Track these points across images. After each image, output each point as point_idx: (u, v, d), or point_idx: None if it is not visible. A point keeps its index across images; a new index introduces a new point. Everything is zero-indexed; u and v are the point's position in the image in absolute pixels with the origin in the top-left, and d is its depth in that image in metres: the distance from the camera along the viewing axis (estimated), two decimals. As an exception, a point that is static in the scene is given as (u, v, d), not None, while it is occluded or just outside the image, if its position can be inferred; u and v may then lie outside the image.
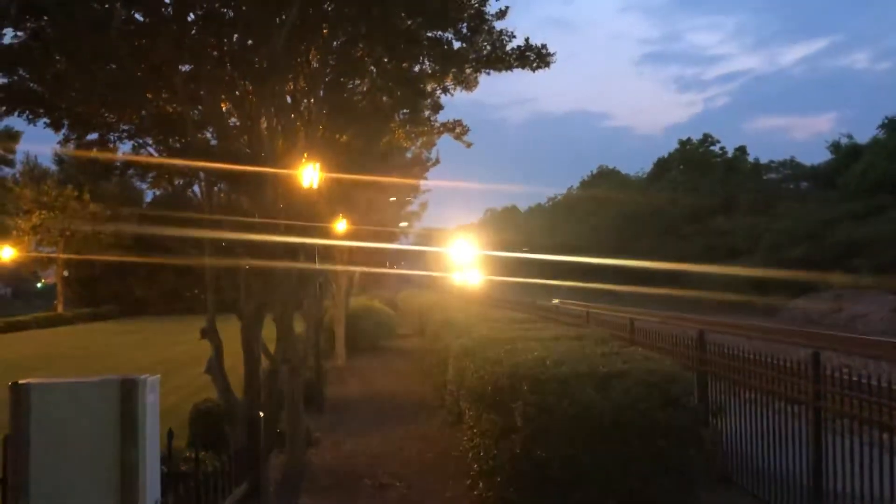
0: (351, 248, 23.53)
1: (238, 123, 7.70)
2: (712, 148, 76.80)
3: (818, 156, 78.59)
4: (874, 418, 5.72)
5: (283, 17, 6.96)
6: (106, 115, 8.35)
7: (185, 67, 7.44)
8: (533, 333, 10.15)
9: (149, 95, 7.70)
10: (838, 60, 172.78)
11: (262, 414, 3.80)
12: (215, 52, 7.47)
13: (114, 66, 7.49)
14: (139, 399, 2.32)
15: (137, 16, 7.35)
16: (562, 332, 10.49)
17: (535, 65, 8.32)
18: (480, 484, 7.81)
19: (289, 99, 8.25)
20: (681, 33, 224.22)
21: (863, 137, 57.05)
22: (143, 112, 7.89)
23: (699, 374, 8.44)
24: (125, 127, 8.64)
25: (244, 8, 7.02)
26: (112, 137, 8.86)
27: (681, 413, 7.06)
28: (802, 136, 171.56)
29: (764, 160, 71.17)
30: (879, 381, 5.75)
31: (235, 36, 7.44)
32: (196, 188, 8.62)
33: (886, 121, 54.67)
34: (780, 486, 7.07)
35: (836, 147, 59.48)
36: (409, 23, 7.53)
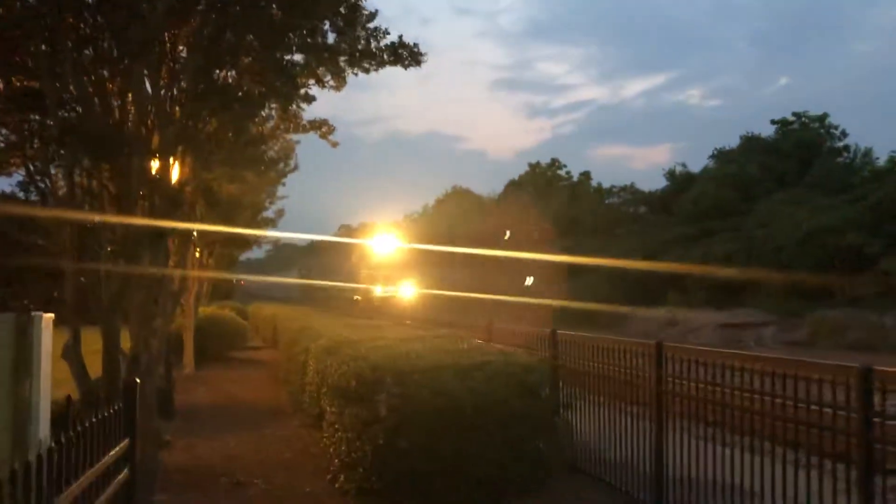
0: (202, 252, 22.83)
1: (99, 109, 7.40)
2: (559, 172, 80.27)
3: (655, 183, 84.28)
4: (709, 398, 6.28)
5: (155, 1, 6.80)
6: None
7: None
8: (395, 333, 10.33)
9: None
10: (674, 96, 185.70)
11: (138, 380, 3.73)
12: (76, 33, 7.17)
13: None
14: (34, 335, 2.27)
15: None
16: (423, 333, 10.73)
17: (407, 63, 8.52)
18: (342, 477, 7.85)
19: (148, 85, 8.00)
20: (531, 62, 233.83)
21: (695, 167, 61.83)
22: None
23: (551, 369, 8.85)
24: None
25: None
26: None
27: (536, 402, 7.45)
28: (641, 164, 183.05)
29: (606, 185, 75.20)
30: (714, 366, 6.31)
31: (99, 17, 7.17)
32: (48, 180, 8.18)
33: (716, 152, 59.75)
34: (625, 472, 7.56)
35: (671, 175, 63.86)
36: (280, 13, 7.55)
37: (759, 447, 5.75)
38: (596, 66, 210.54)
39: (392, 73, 8.88)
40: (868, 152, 51.09)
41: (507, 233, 59.29)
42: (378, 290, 43.30)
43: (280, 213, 30.52)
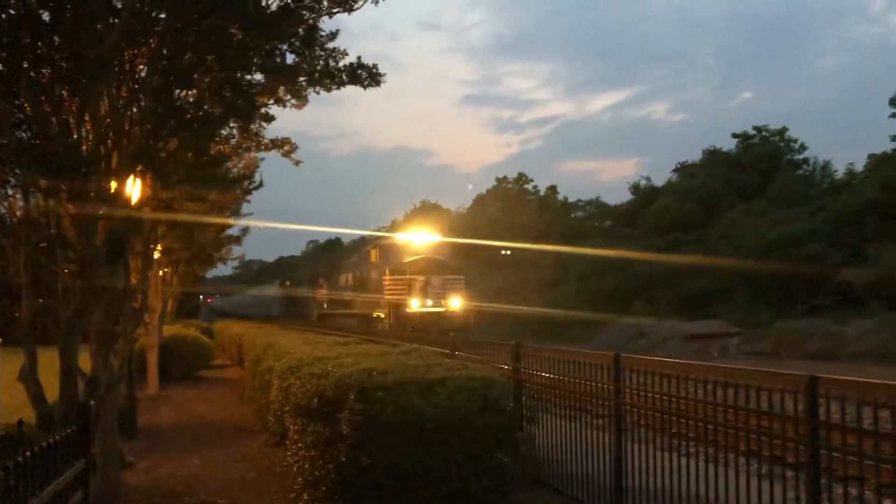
0: (165, 270, 22.63)
1: (56, 129, 7.35)
2: (526, 186, 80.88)
3: (621, 196, 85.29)
4: (666, 409, 6.39)
5: (114, 21, 6.79)
6: None
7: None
8: (359, 349, 10.33)
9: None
10: (640, 110, 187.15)
11: (92, 402, 3.72)
12: (33, 52, 7.14)
13: None
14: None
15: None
16: (388, 350, 10.74)
17: (366, 83, 8.62)
18: (305, 495, 7.84)
19: (107, 104, 7.96)
20: (499, 77, 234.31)
21: (659, 181, 62.80)
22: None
23: (514, 384, 8.94)
24: None
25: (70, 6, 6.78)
26: None
27: (498, 416, 7.49)
28: (607, 178, 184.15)
29: (572, 199, 75.95)
30: (669, 377, 6.43)
31: (56, 38, 7.14)
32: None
33: (679, 166, 60.87)
34: (587, 485, 7.64)
35: (636, 188, 64.78)
36: (241, 36, 7.59)
37: (715, 457, 5.87)
38: (563, 81, 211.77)
39: (360, 89, 8.90)
40: (827, 165, 52.43)
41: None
42: (414, 304, 31.43)
43: (246, 230, 30.25)
